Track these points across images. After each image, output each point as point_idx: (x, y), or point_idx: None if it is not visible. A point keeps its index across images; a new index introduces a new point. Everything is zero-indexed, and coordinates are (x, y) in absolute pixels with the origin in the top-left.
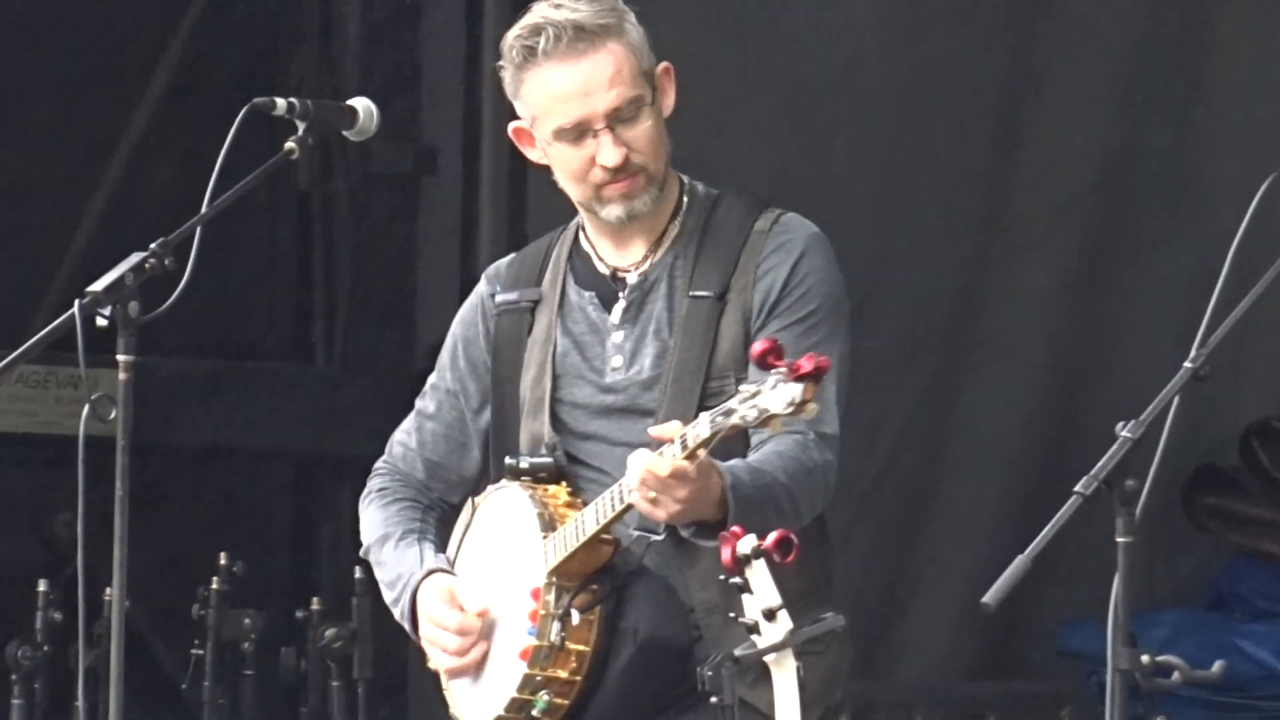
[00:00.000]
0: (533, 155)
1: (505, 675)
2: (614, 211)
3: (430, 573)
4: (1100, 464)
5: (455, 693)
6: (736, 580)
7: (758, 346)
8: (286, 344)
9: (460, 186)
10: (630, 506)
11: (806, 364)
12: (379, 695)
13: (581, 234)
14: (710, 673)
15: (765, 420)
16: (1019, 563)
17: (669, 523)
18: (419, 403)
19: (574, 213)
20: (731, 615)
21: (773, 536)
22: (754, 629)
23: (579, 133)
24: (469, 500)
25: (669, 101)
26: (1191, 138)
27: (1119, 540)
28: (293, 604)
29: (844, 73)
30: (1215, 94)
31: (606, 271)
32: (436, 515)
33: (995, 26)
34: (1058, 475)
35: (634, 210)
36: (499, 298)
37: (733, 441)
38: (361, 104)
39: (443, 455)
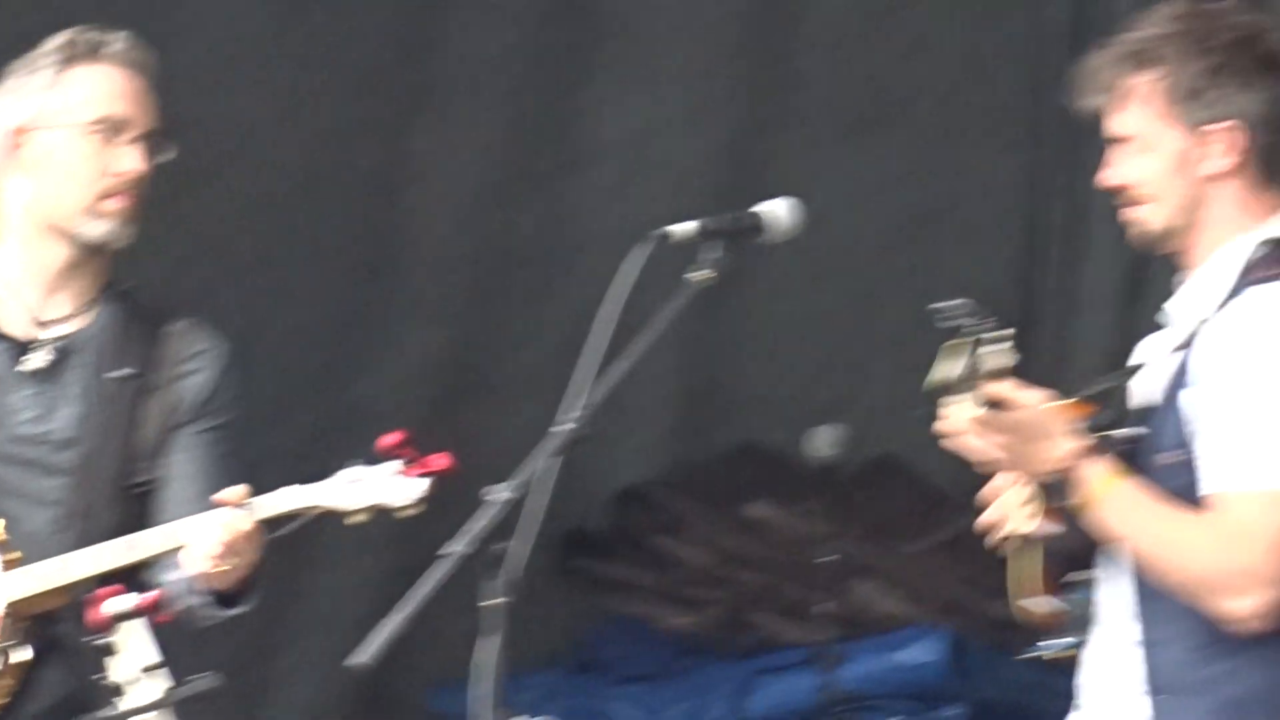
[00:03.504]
0: None
1: None
2: (99, 228)
3: None
4: (473, 526)
5: None
6: (104, 640)
7: (391, 437)
8: None
9: None
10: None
11: (441, 461)
12: None
13: None
14: None
15: (365, 513)
16: (391, 622)
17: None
18: None
19: None
20: (94, 678)
21: (151, 595)
22: (116, 691)
23: (116, 131)
24: None
25: None
26: (565, 201)
27: (490, 602)
28: None
29: (236, 147)
30: (587, 158)
31: (21, 317)
32: None
33: (374, 104)
34: (432, 535)
35: (118, 237)
36: None
37: None
38: None
39: None
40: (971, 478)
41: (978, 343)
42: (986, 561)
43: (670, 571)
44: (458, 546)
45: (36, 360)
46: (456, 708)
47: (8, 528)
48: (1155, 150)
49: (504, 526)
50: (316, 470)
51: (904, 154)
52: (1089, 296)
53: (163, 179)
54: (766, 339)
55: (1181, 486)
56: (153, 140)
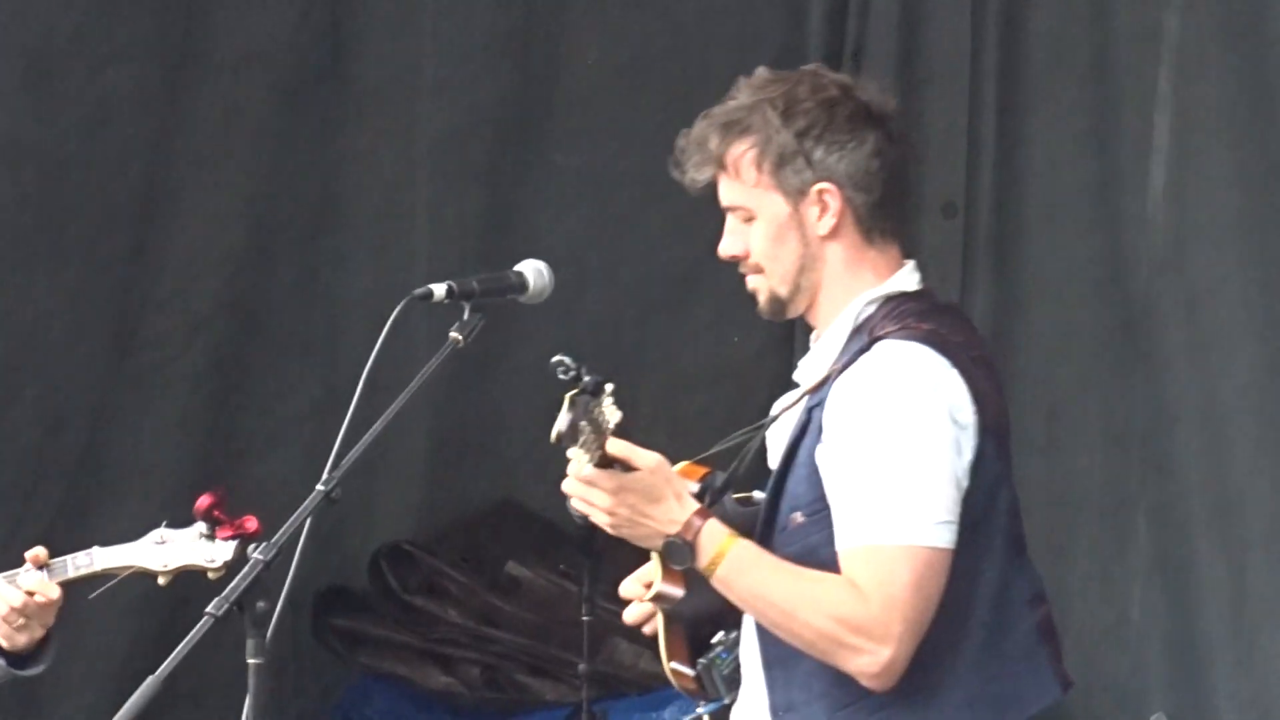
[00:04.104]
0: None
1: None
2: None
3: None
4: (232, 585)
5: None
6: None
7: (205, 500)
8: None
9: None
10: None
11: (251, 524)
12: None
13: None
14: None
15: (173, 574)
16: (149, 683)
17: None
18: None
19: None
20: None
21: None
22: None
23: None
24: None
25: None
26: (324, 259)
27: (250, 661)
28: None
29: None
30: (346, 216)
31: None
32: None
33: (130, 139)
34: (192, 594)
35: None
36: None
37: None
38: None
39: None
40: None
41: (588, 394)
42: None
43: (429, 630)
44: (215, 606)
45: None
46: None
47: None
48: (759, 218)
49: (266, 585)
50: (76, 536)
51: (663, 216)
52: None
53: None
54: (526, 398)
55: (813, 545)
56: None
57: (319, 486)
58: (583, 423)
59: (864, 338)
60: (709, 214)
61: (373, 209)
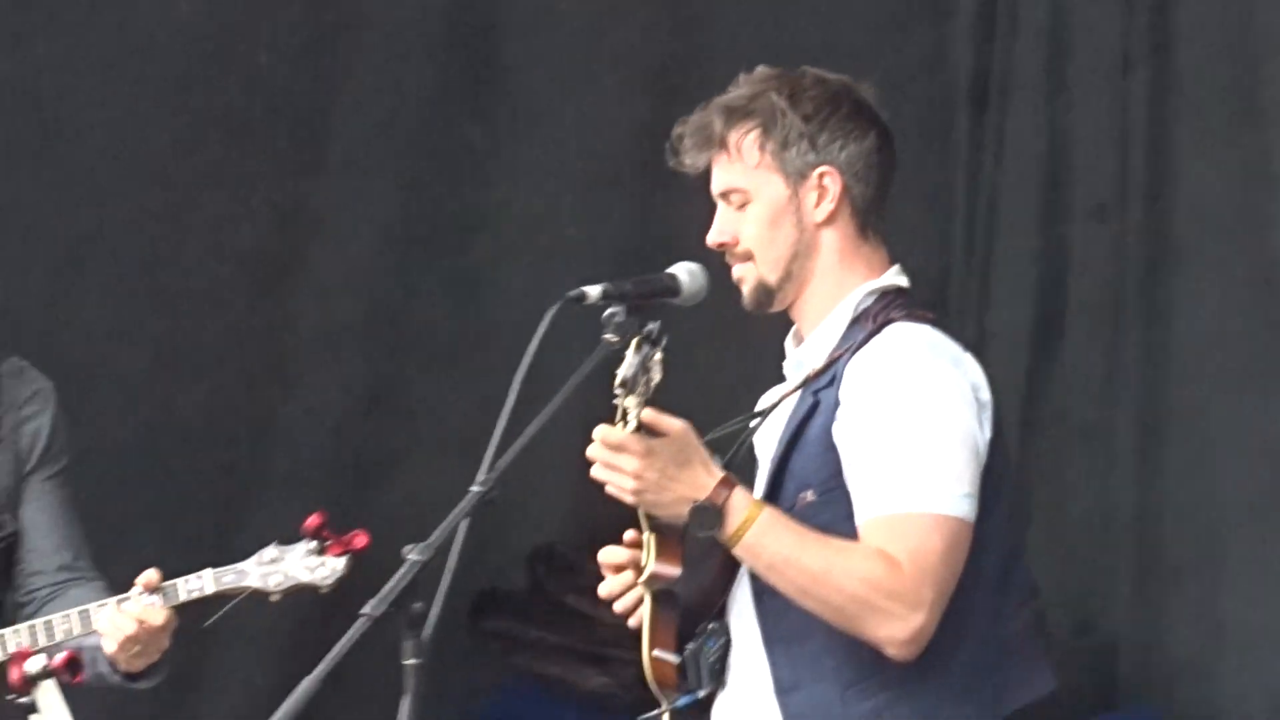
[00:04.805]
0: None
1: None
2: None
3: None
4: (389, 586)
5: None
6: (25, 699)
7: (314, 520)
8: None
9: None
10: None
11: (360, 540)
12: None
13: None
14: None
15: (285, 593)
16: (307, 683)
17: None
18: None
19: None
20: None
21: (61, 656)
22: None
23: None
24: None
25: None
26: (472, 268)
27: (407, 663)
28: None
29: (131, 228)
30: (494, 226)
31: None
32: None
33: (278, 152)
34: (349, 596)
35: None
36: None
37: None
38: None
39: None
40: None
41: (651, 343)
42: None
43: (584, 631)
44: (372, 607)
45: None
46: None
47: None
48: (756, 200)
49: (422, 585)
50: (229, 545)
51: None
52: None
53: (50, 245)
54: (679, 397)
55: (824, 523)
56: None
57: (474, 488)
58: (640, 373)
59: (868, 324)
60: None
61: (521, 218)
